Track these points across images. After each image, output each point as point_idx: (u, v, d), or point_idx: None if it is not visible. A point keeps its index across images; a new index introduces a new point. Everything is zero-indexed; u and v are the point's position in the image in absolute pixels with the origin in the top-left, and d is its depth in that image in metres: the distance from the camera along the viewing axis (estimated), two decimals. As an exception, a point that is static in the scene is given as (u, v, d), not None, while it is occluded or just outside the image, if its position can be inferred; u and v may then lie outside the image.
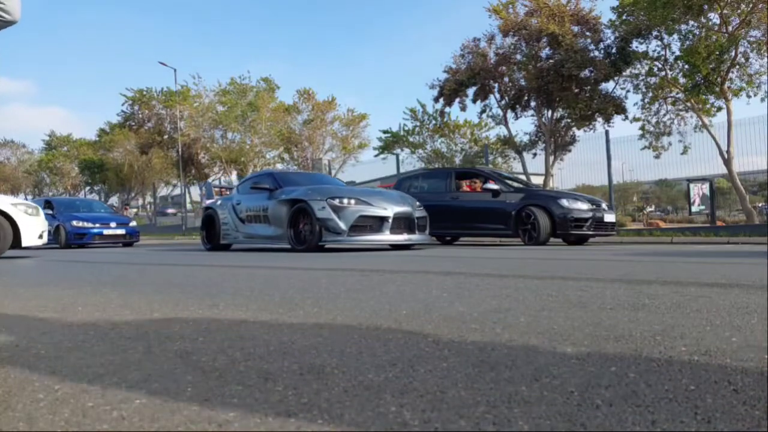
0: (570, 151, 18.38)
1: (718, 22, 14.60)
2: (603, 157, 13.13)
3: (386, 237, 6.47)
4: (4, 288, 2.69)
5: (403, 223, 6.68)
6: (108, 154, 34.33)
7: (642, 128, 17.56)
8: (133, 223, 12.92)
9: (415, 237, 6.82)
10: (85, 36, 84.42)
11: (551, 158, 18.21)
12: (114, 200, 34.43)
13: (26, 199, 17.36)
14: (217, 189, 19.10)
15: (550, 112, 18.11)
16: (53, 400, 0.81)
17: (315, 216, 6.34)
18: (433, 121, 24.70)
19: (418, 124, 25.42)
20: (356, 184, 16.94)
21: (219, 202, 8.42)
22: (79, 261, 5.48)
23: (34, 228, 6.59)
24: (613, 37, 16.59)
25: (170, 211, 32.00)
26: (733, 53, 14.45)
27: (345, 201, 6.42)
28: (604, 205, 8.45)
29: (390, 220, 6.50)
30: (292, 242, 6.67)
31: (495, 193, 8.40)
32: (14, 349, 1.20)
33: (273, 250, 7.36)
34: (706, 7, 14.02)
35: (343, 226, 6.27)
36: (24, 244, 6.43)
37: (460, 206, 8.78)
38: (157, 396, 0.82)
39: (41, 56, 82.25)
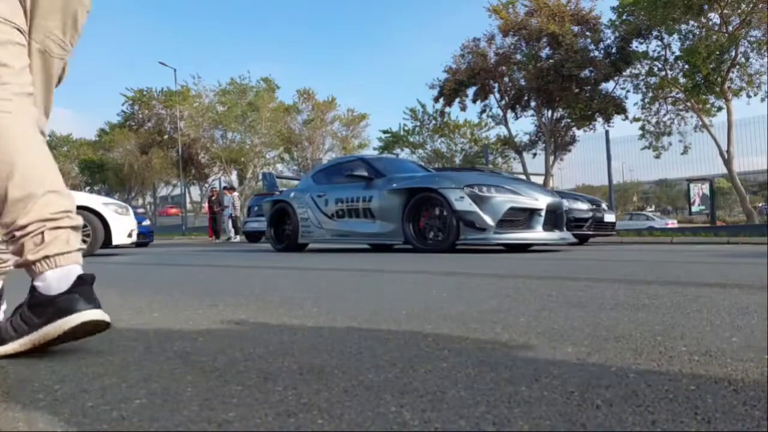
0: (570, 151, 18.42)
1: (718, 22, 14.60)
2: (603, 157, 13.14)
3: (539, 235, 5.35)
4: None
5: (553, 217, 5.56)
6: (108, 154, 34.35)
7: (642, 128, 17.58)
8: (146, 222, 12.18)
9: (566, 236, 5.80)
10: (86, 36, 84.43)
11: (551, 158, 18.22)
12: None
13: None
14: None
15: (550, 112, 18.14)
16: (53, 400, 0.81)
17: (452, 208, 5.22)
18: (433, 121, 24.72)
19: (418, 124, 25.45)
20: None
21: (293, 195, 7.16)
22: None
23: (123, 227, 6.70)
24: (613, 37, 16.61)
25: (140, 210, 31.48)
26: (733, 53, 14.46)
27: (485, 189, 5.26)
28: (603, 205, 8.45)
29: (543, 214, 5.38)
30: (414, 240, 5.57)
31: None
32: (14, 349, 1.20)
33: (362, 250, 6.55)
34: (706, 7, 14.03)
35: (489, 220, 5.11)
36: (114, 242, 6.53)
37: None
38: (157, 396, 0.82)
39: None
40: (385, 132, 26.53)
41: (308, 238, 6.80)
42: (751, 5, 13.62)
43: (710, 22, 14.83)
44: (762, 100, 15.47)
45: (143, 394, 0.83)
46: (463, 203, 5.19)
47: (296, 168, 31.78)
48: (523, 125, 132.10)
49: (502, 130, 21.35)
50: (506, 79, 18.64)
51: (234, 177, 30.49)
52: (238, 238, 15.91)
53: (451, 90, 18.82)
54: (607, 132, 13.89)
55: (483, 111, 20.26)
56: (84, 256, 5.13)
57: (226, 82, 28.69)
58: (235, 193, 16.40)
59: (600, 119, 17.51)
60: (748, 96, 15.75)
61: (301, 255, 5.77)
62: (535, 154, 19.37)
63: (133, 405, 0.78)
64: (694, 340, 1.17)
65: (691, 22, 14.91)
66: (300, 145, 30.80)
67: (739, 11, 14.07)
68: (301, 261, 4.59)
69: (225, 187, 17.55)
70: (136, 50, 79.38)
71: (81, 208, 6.31)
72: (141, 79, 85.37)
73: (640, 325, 1.35)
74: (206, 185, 32.39)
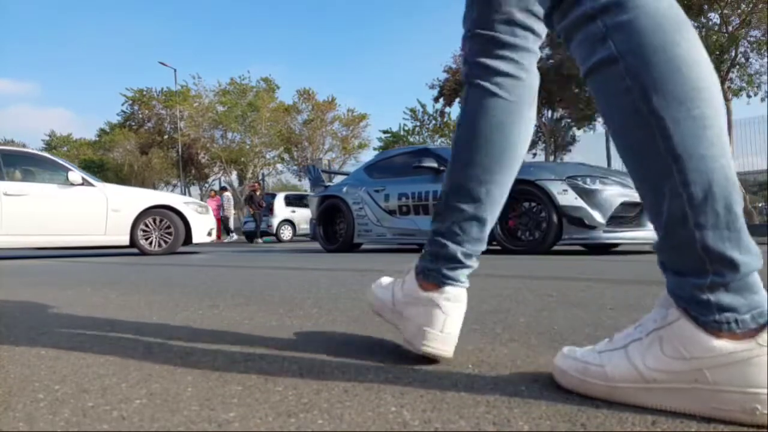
0: (570, 151, 18.44)
1: (718, 22, 14.60)
2: (603, 157, 13.15)
3: (649, 234, 4.67)
4: (6, 288, 2.69)
5: None
6: (108, 154, 34.37)
7: (642, 128, 17.56)
8: None
9: None
10: (87, 37, 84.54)
11: (551, 158, 18.23)
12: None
13: None
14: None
15: (550, 112, 18.15)
16: (53, 400, 0.81)
17: (554, 203, 4.63)
18: (433, 121, 24.75)
19: (418, 124, 25.48)
20: None
21: (345, 189, 6.57)
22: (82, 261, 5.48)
23: (203, 226, 6.86)
24: (613, 37, 16.60)
25: None
26: (733, 53, 14.45)
27: (590, 181, 4.65)
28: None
29: None
30: (504, 241, 5.03)
31: None
32: (14, 349, 1.20)
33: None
34: (706, 7, 14.02)
35: (599, 217, 4.52)
36: (195, 240, 6.69)
37: None
38: (157, 396, 0.82)
39: (46, 58, 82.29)
40: (385, 132, 26.59)
41: (366, 237, 6.23)
42: (751, 5, 13.62)
43: (710, 22, 14.83)
44: (762, 100, 15.47)
45: (143, 394, 0.83)
46: (567, 197, 4.59)
47: (296, 168, 31.81)
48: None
49: (502, 130, 21.36)
50: (506, 79, 18.64)
51: (234, 177, 30.52)
52: (234, 237, 16.04)
53: (451, 90, 18.86)
54: (607, 132, 13.89)
55: (483, 111, 20.27)
56: (165, 254, 5.21)
57: (226, 82, 28.77)
58: (227, 194, 16.39)
59: (600, 119, 17.53)
60: (748, 96, 15.75)
61: (302, 255, 5.77)
62: (534, 154, 19.39)
63: (133, 405, 0.78)
64: (694, 340, 1.17)
65: (691, 22, 14.90)
66: (300, 145, 30.82)
67: (739, 11, 14.07)
68: (301, 261, 4.59)
69: (223, 187, 17.55)
70: (136, 50, 79.40)
71: (163, 207, 6.49)
72: (141, 79, 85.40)
73: (640, 325, 1.35)
74: (206, 185, 32.42)
